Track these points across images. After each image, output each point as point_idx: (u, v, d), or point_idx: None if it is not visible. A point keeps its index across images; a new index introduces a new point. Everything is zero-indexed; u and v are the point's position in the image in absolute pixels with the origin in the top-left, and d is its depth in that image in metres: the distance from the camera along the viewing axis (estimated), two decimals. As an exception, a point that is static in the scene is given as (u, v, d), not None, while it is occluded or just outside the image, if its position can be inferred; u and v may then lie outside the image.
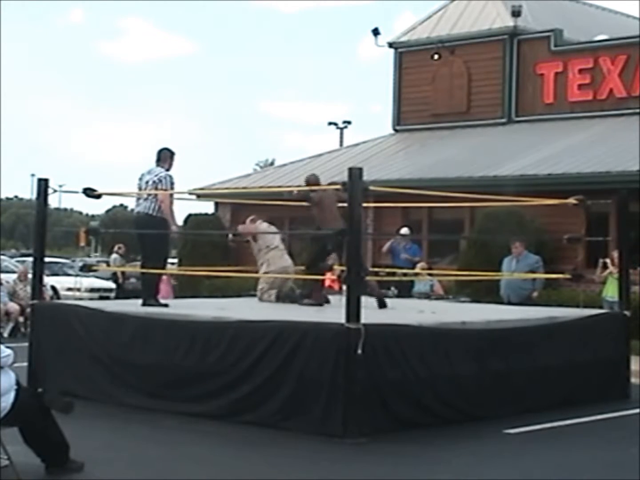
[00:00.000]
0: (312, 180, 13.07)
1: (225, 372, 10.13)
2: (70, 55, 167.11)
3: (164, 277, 20.37)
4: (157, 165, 12.08)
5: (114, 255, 27.58)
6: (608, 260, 16.65)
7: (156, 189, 11.80)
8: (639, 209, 15.98)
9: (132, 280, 27.04)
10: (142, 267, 12.24)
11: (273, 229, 14.34)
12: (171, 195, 12.02)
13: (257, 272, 13.86)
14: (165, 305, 11.77)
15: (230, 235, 14.30)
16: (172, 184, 11.96)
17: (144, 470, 8.09)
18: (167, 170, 12.04)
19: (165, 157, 12.12)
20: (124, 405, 10.68)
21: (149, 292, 11.98)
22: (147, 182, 11.94)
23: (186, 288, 22.38)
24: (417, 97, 27.48)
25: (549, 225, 20.25)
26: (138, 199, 12.06)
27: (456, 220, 23.32)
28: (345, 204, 9.87)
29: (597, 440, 9.83)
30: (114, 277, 27.34)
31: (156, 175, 11.89)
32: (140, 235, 12.22)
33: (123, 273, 26.59)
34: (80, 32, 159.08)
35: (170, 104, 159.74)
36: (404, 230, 20.10)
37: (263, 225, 14.01)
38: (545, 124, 25.07)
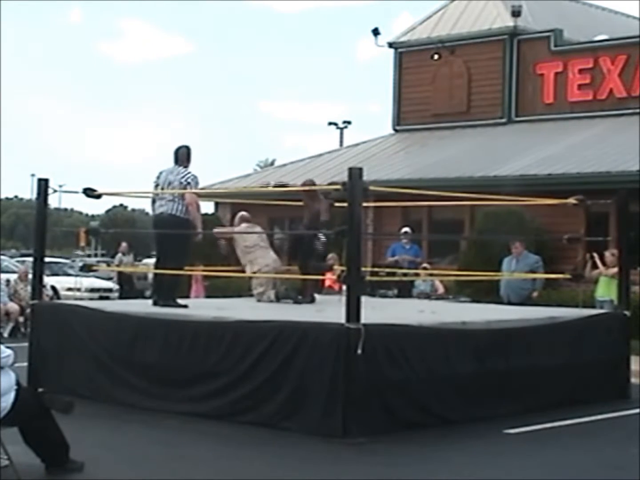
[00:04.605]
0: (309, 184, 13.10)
1: (226, 372, 10.13)
2: (69, 56, 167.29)
3: (198, 277, 20.28)
4: (177, 164, 11.89)
5: (119, 255, 27.42)
6: (596, 255, 16.49)
7: (184, 189, 11.65)
8: (639, 209, 15.97)
9: (135, 280, 26.98)
10: (159, 267, 12.03)
11: (258, 228, 14.16)
12: (199, 196, 11.85)
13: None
14: (185, 306, 11.62)
15: (222, 244, 13.92)
16: (197, 184, 11.84)
17: (144, 470, 8.08)
18: (186, 167, 11.89)
19: (183, 155, 11.92)
20: (124, 405, 10.68)
21: (167, 293, 11.79)
22: (170, 183, 11.74)
23: (186, 288, 22.34)
24: (417, 97, 27.50)
25: (549, 225, 20.25)
26: (161, 198, 11.80)
27: (456, 220, 23.33)
28: (344, 204, 9.86)
29: (597, 440, 9.83)
30: (120, 278, 26.96)
31: (183, 177, 11.70)
32: (161, 236, 12.01)
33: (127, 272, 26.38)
34: (80, 33, 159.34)
35: (170, 104, 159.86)
36: (405, 230, 20.09)
37: (242, 226, 13.69)
38: (545, 124, 25.07)
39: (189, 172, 11.82)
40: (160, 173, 11.93)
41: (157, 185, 11.95)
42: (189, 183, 11.71)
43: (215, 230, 13.96)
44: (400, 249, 19.44)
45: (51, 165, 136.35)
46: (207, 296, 19.45)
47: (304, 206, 13.12)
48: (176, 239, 11.74)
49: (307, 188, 13.13)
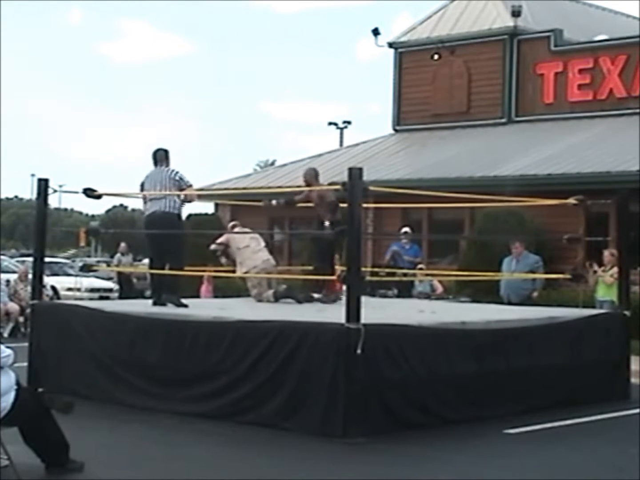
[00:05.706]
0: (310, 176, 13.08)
1: (226, 372, 10.13)
2: (69, 56, 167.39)
3: (207, 276, 20.25)
4: (157, 166, 12.02)
5: (118, 255, 27.39)
6: (595, 265, 16.42)
7: (180, 186, 11.78)
8: (639, 209, 15.97)
9: (134, 280, 26.96)
10: (154, 267, 12.07)
11: (248, 231, 14.27)
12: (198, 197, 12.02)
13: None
14: (185, 306, 11.61)
15: (219, 255, 13.90)
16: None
17: (144, 470, 8.08)
18: (168, 166, 12.01)
19: (161, 157, 12.07)
20: (124, 405, 10.68)
21: (170, 289, 11.81)
22: (159, 182, 11.83)
23: (186, 288, 22.28)
24: (417, 97, 27.49)
25: (549, 225, 20.26)
26: (152, 199, 11.91)
27: (456, 220, 23.32)
28: (345, 204, 9.86)
29: (597, 440, 9.82)
30: (120, 278, 26.90)
31: (171, 173, 11.85)
32: (156, 234, 12.00)
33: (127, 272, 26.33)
34: (79, 33, 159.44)
35: (170, 104, 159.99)
36: (405, 230, 20.09)
37: (235, 230, 14.02)
38: (545, 124, 25.07)
39: (174, 170, 11.95)
40: (146, 178, 12.05)
41: (145, 190, 12.04)
42: (181, 178, 11.86)
43: (212, 246, 13.97)
44: (400, 248, 19.45)
45: (51, 165, 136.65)
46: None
47: (315, 205, 13.04)
48: (172, 235, 11.80)
49: (307, 189, 13.12)
